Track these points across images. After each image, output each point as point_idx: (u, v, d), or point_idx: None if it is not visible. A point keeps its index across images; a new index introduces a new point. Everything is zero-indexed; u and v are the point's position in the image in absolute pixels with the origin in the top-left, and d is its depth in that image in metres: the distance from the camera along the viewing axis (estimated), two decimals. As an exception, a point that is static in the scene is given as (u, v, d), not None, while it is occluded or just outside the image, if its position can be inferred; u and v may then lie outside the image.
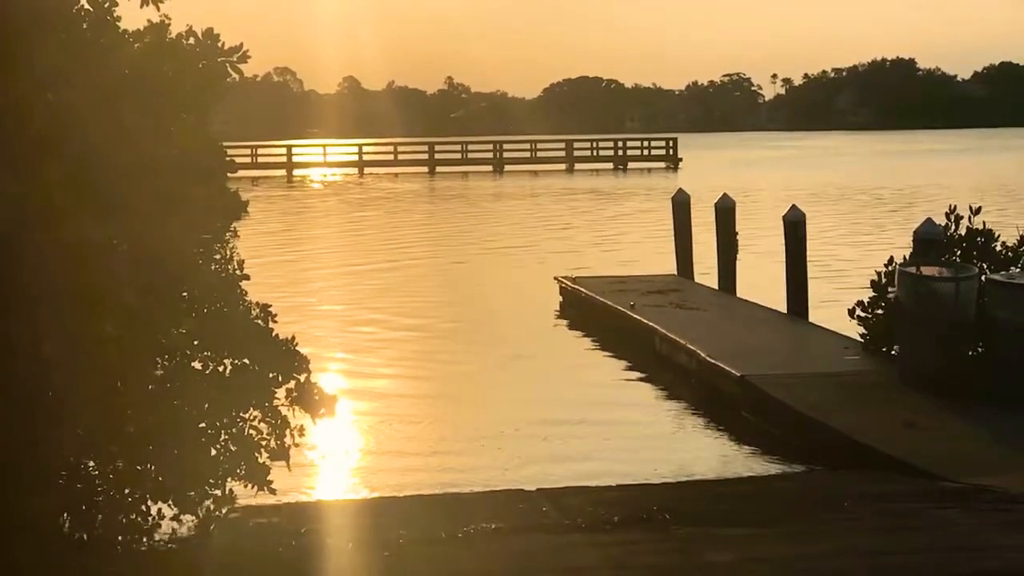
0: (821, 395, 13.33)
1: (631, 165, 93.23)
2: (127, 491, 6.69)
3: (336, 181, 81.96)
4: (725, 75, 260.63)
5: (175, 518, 6.92)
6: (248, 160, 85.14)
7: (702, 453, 13.05)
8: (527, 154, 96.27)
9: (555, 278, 24.43)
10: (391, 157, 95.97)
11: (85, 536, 6.59)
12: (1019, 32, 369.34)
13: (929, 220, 15.60)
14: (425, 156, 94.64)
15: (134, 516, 6.70)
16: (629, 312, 19.46)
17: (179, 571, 7.04)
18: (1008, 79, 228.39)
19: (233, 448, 6.92)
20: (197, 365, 6.97)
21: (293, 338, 7.19)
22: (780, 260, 19.97)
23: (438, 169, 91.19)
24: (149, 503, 6.74)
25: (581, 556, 8.32)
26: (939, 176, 70.85)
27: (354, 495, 11.53)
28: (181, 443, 6.67)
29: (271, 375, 7.05)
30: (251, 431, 7.00)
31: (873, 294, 15.39)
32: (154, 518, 6.79)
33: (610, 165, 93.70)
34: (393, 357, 18.97)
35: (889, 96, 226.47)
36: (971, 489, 9.91)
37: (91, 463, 6.69)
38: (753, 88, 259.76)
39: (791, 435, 12.82)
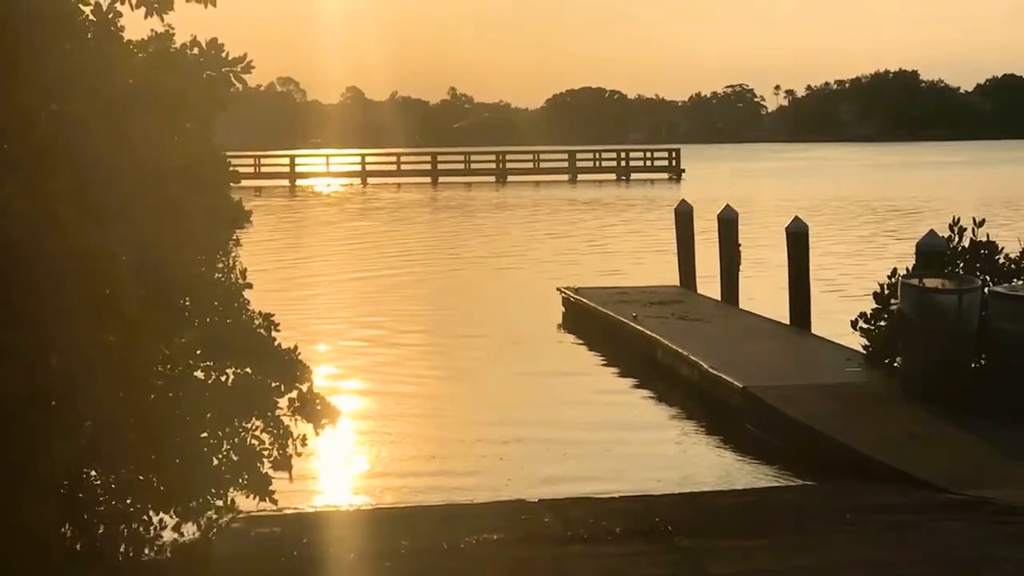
0: (823, 407, 13.32)
1: (634, 176, 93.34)
2: (129, 501, 6.68)
3: (339, 191, 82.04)
4: (728, 86, 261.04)
5: (177, 528, 6.91)
6: (251, 170, 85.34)
7: (704, 464, 13.04)
8: (530, 165, 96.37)
9: (558, 289, 24.45)
10: (394, 167, 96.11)
11: (86, 546, 6.58)
12: (1022, 45, 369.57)
13: (932, 232, 15.61)
14: (428, 166, 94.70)
15: (136, 526, 6.69)
16: (631, 323, 19.47)
17: (180, 581, 7.03)
18: (1011, 91, 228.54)
19: (235, 458, 6.91)
20: (199, 374, 6.97)
21: (295, 347, 7.18)
22: (783, 271, 19.98)
23: (441, 179, 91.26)
24: (151, 513, 6.73)
25: (583, 567, 8.31)
26: (942, 188, 70.88)
27: (356, 505, 11.52)
28: (183, 453, 6.66)
29: (273, 385, 7.05)
30: (253, 441, 6.99)
31: (876, 306, 15.39)
32: (156, 528, 6.78)
33: (613, 176, 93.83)
34: (395, 367, 18.97)
35: (892, 108, 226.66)
36: (973, 501, 9.90)
37: (93, 472, 6.69)
38: (756, 99, 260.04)
39: (793, 446, 12.80)
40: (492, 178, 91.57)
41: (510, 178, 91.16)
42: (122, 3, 6.54)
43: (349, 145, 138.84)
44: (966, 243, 15.03)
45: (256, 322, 7.16)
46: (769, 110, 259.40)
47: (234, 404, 6.92)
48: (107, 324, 5.92)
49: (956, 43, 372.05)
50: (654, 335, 18.27)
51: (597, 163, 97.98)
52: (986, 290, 13.80)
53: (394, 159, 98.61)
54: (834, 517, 9.58)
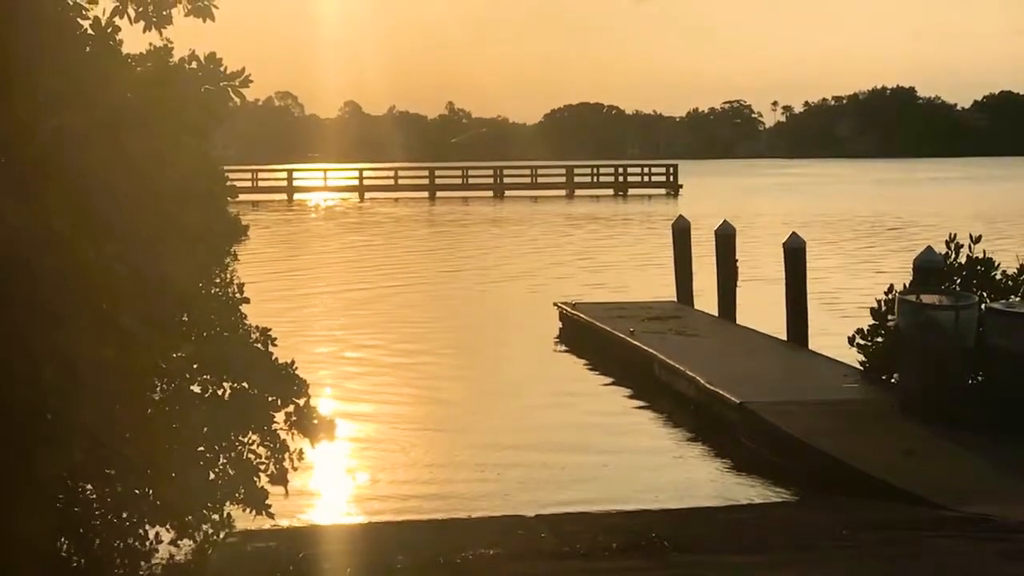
0: (820, 422, 13.32)
1: (631, 191, 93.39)
2: (125, 515, 6.67)
3: (336, 205, 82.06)
4: (725, 102, 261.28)
5: (173, 542, 6.90)
6: (249, 184, 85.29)
7: (701, 480, 13.03)
8: (527, 180, 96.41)
9: (555, 304, 24.43)
10: (391, 182, 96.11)
11: (82, 560, 6.57)
12: (1019, 62, 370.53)
13: (929, 248, 15.63)
14: (425, 181, 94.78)
15: (132, 540, 6.68)
16: (629, 338, 19.46)
17: (176, 595, 7.02)
18: (1008, 108, 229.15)
19: (231, 472, 6.90)
20: (196, 389, 6.96)
21: (292, 362, 7.17)
22: (780, 287, 19.98)
23: (438, 194, 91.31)
24: (147, 527, 6.72)
25: (579, 583, 8.29)
26: (939, 204, 70.97)
27: (352, 520, 11.51)
28: (179, 467, 6.65)
29: (270, 399, 7.04)
30: (250, 455, 6.98)
31: (873, 322, 15.40)
32: (152, 542, 6.77)
33: (610, 191, 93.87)
34: (391, 382, 18.96)
35: (889, 124, 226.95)
36: (970, 518, 9.89)
37: (88, 487, 6.68)
38: (753, 115, 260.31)
39: (790, 462, 12.80)
40: (490, 193, 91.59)
41: (507, 193, 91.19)
42: (121, 17, 6.55)
43: (347, 159, 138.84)
44: (963, 259, 15.05)
45: (253, 336, 7.15)
46: (767, 126, 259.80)
47: (231, 418, 6.91)
48: (104, 338, 5.91)
49: (953, 60, 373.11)
50: (651, 350, 18.26)
51: (595, 178, 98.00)
52: (983, 306, 13.81)
53: (392, 174, 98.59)
54: (831, 533, 9.57)
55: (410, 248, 45.79)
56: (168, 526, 6.81)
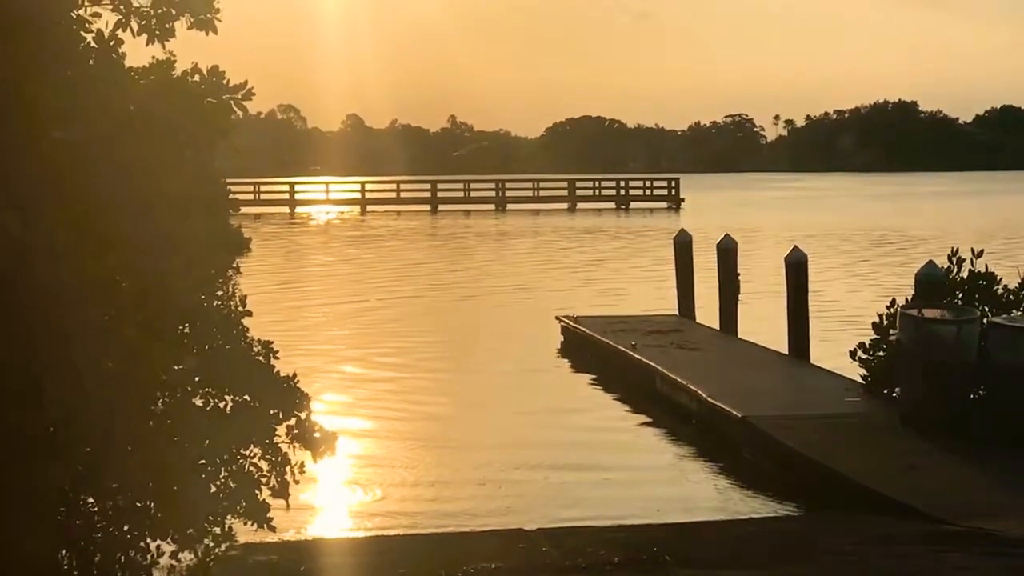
0: (822, 437, 13.30)
1: (633, 205, 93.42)
2: (126, 528, 6.65)
3: (338, 219, 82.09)
4: (727, 116, 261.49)
5: (174, 555, 6.88)
6: (251, 197, 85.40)
7: (703, 494, 13.02)
8: (529, 193, 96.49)
9: (556, 317, 24.43)
10: (393, 195, 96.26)
11: (83, 574, 6.55)
12: (1021, 76, 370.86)
13: (931, 262, 15.63)
14: (427, 194, 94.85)
15: (133, 553, 6.66)
16: (630, 352, 19.46)
17: (177, 609, 6.99)
18: (1009, 123, 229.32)
19: (233, 485, 6.88)
20: (198, 401, 6.94)
21: (294, 375, 7.16)
22: (782, 301, 19.97)
23: (440, 207, 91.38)
24: (148, 540, 6.70)
25: (581, 597, 8.28)
26: (941, 218, 70.97)
27: (354, 533, 11.49)
28: (181, 480, 6.64)
29: (272, 412, 7.03)
30: (251, 468, 6.97)
31: (874, 336, 15.39)
32: (153, 555, 6.74)
33: (612, 205, 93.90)
34: (391, 396, 18.94)
35: (891, 138, 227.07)
36: (972, 532, 9.87)
37: (90, 499, 6.67)
38: (755, 129, 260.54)
39: (792, 477, 12.79)
40: (491, 206, 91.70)
41: (509, 206, 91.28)
42: (123, 30, 6.56)
43: (349, 172, 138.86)
44: (965, 274, 15.04)
45: (255, 349, 7.14)
46: (768, 140, 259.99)
47: (232, 431, 6.90)
48: (106, 350, 5.91)
49: (955, 74, 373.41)
50: (653, 364, 18.25)
51: (596, 192, 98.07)
52: (984, 321, 13.80)
53: (394, 187, 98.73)
54: (833, 548, 9.55)
55: (411, 261, 45.78)
56: (169, 539, 6.80)
